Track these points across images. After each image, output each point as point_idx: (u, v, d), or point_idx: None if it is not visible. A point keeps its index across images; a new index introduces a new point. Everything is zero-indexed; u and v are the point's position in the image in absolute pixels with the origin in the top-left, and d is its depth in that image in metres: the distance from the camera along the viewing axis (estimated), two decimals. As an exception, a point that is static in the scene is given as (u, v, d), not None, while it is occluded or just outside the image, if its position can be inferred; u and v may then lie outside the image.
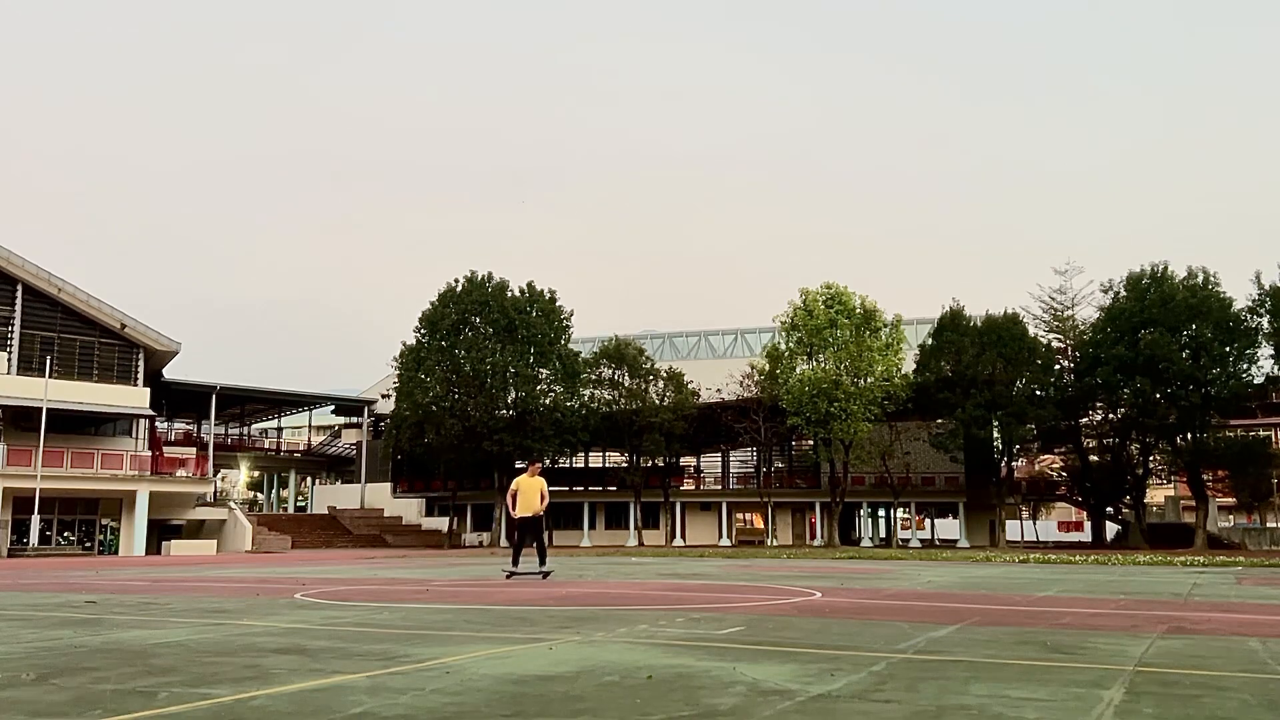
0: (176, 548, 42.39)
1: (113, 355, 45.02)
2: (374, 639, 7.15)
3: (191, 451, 50.58)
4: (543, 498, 15.40)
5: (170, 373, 51.21)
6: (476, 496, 54.80)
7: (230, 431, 68.38)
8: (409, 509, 61.14)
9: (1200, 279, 44.96)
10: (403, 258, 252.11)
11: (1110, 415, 49.94)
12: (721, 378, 54.03)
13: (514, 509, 15.50)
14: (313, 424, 77.69)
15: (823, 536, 53.07)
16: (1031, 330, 49.69)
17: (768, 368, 48.97)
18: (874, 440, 47.35)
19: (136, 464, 43.56)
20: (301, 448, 75.86)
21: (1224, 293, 44.49)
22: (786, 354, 48.12)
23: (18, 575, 19.69)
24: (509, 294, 50.12)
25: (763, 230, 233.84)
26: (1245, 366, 44.32)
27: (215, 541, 45.03)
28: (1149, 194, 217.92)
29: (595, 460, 57.76)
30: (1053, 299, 52.70)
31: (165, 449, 49.93)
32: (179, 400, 56.19)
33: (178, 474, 45.72)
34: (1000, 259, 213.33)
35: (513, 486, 15.70)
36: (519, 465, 53.58)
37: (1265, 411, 52.85)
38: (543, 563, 15.59)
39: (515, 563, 15.91)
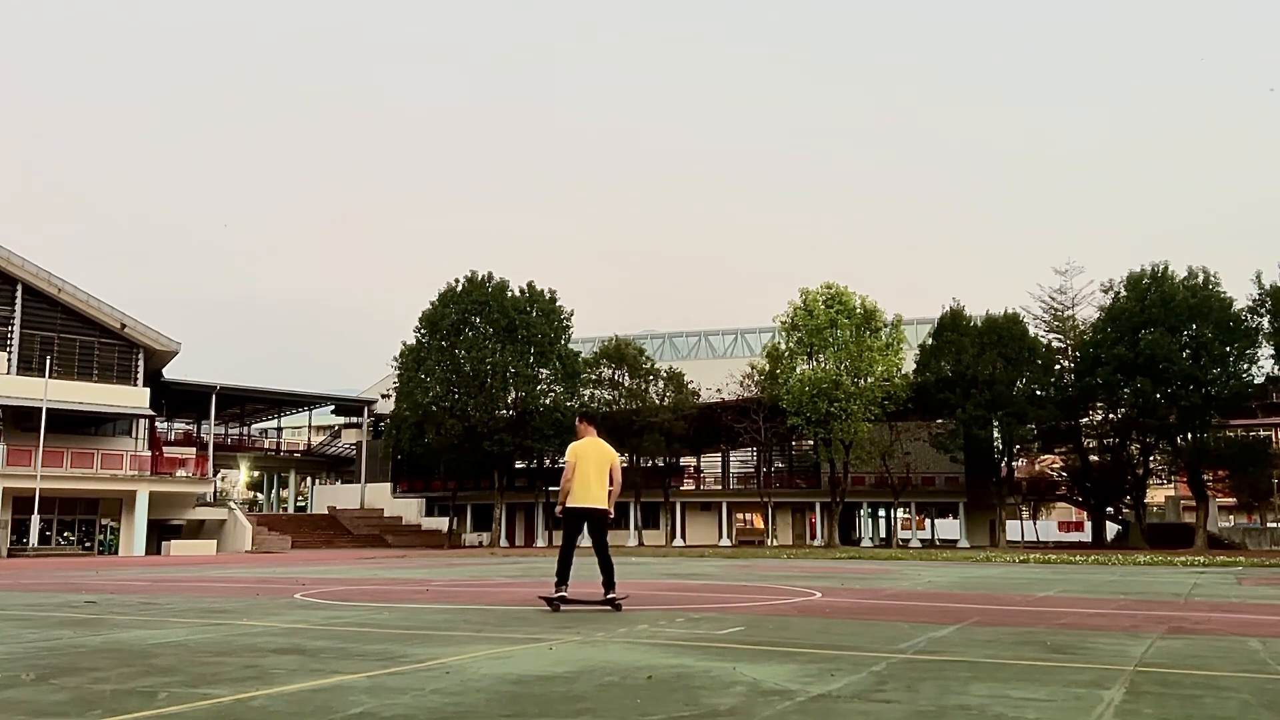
0: (176, 548, 42.34)
1: (113, 355, 44.99)
2: (374, 639, 7.14)
3: (191, 451, 50.52)
4: None
5: (170, 372, 51.18)
6: (476, 496, 54.74)
7: (230, 431, 68.33)
8: (409, 509, 61.11)
9: (1200, 279, 44.93)
10: (403, 258, 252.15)
11: (1110, 415, 49.90)
12: (721, 378, 53.95)
13: None
14: (313, 424, 77.64)
15: (823, 536, 53.06)
16: (1032, 330, 49.68)
17: (768, 368, 48.93)
18: (874, 440, 47.29)
19: (136, 464, 43.53)
20: (301, 448, 75.82)
21: (1224, 293, 44.47)
22: (786, 354, 48.09)
23: (18, 575, 19.68)
24: (509, 294, 50.09)
25: (763, 230, 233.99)
26: (1245, 366, 44.28)
27: (215, 541, 44.99)
28: (1150, 194, 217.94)
29: (595, 460, 57.60)
30: (1053, 299, 52.71)
31: (165, 449, 49.86)
32: (179, 400, 56.17)
33: (178, 474, 45.68)
34: (1000, 259, 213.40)
35: None
36: (518, 465, 53.67)
37: (1265, 411, 52.74)
38: None
39: None
